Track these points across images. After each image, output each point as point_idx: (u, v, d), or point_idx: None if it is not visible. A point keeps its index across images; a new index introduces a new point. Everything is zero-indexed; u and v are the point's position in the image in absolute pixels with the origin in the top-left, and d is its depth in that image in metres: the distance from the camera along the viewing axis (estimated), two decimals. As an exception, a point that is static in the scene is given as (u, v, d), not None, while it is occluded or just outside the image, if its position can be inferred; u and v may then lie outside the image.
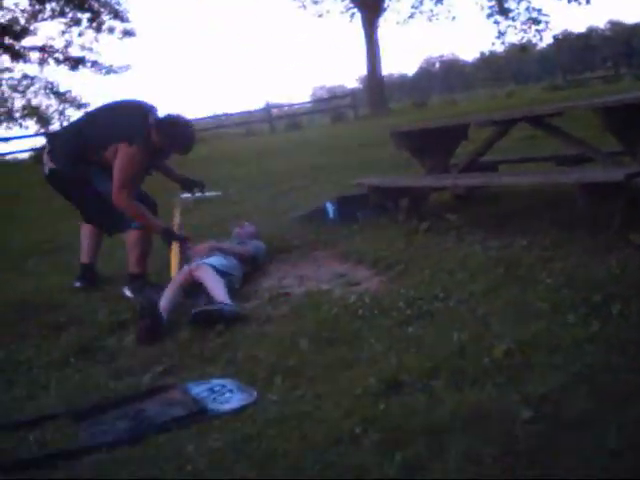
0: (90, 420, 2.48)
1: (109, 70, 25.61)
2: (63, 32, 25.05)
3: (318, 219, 5.26)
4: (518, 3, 25.60)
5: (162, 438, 2.25)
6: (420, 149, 5.24)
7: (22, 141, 20.92)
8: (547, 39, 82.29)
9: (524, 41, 26.61)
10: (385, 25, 57.42)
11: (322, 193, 6.26)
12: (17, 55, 24.70)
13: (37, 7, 24.43)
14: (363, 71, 27.78)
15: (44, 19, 24.83)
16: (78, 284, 4.37)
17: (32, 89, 25.86)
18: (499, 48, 31.44)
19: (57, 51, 25.27)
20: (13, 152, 19.37)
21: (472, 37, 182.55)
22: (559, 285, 2.95)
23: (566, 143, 4.56)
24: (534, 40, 26.83)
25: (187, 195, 4.69)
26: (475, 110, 15.13)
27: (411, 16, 27.15)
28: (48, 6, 24.57)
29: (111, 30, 25.25)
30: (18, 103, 26.32)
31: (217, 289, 3.54)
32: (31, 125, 26.30)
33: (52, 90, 25.84)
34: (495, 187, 5.04)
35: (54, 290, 4.38)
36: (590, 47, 55.87)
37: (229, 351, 2.97)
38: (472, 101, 25.06)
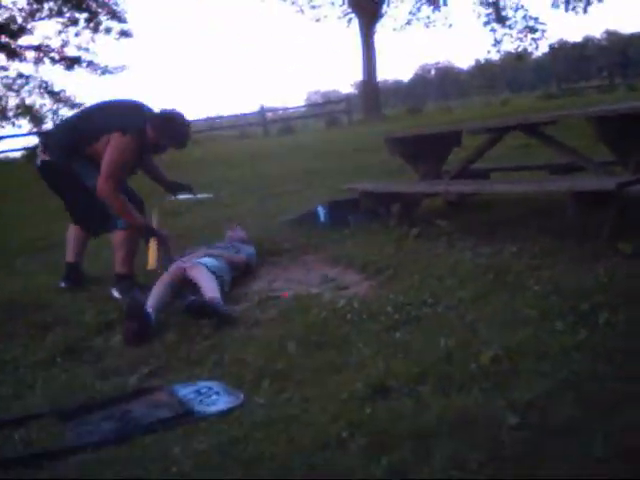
0: (76, 420, 2.47)
1: (105, 70, 25.52)
2: (60, 32, 25.00)
3: (309, 223, 5.25)
4: (515, 11, 25.85)
5: (148, 439, 2.24)
6: (413, 155, 5.26)
7: (15, 140, 20.95)
8: (543, 48, 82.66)
9: (520, 49, 26.79)
10: (382, 31, 57.66)
11: (315, 197, 6.25)
12: (13, 54, 24.60)
13: (35, 6, 24.33)
14: (358, 76, 27.98)
15: (41, 18, 24.75)
16: (63, 284, 4.36)
17: (26, 88, 25.80)
18: (495, 56, 31.48)
19: (53, 50, 25.20)
20: (5, 151, 19.36)
21: (468, 45, 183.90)
22: (547, 292, 2.97)
23: (559, 152, 4.58)
24: (530, 48, 27.06)
25: (185, 196, 4.67)
26: (470, 117, 15.16)
27: (408, 22, 27.28)
28: (46, 5, 24.48)
29: (108, 30, 25.17)
30: (12, 102, 26.22)
31: (211, 289, 3.54)
32: (24, 124, 26.24)
33: (46, 89, 25.74)
34: (487, 194, 5.06)
35: (42, 290, 4.36)
36: (586, 56, 56.22)
37: (216, 353, 2.96)
38: (467, 108, 25.11)
